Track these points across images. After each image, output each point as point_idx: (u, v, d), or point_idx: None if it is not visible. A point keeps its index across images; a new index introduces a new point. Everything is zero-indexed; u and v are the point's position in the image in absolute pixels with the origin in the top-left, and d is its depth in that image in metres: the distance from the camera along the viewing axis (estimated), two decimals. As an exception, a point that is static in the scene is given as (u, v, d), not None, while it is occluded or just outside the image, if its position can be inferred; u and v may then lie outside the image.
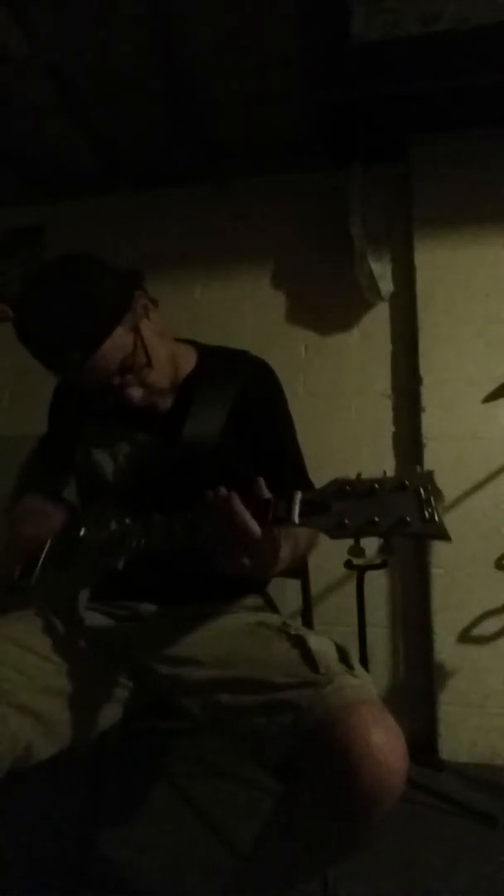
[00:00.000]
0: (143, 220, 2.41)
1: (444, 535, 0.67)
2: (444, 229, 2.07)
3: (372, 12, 1.55)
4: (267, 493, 0.81)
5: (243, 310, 2.30)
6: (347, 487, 0.72)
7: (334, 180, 2.19)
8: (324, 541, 0.74)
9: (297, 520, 0.74)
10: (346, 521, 0.71)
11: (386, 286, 2.11)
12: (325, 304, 2.24)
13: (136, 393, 1.07)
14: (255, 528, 0.78)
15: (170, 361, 1.13)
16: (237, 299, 2.31)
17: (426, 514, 0.67)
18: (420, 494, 0.68)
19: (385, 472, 0.71)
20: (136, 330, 1.04)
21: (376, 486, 0.70)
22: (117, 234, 2.38)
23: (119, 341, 1.01)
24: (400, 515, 0.68)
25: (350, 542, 0.73)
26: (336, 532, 0.72)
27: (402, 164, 2.15)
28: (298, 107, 1.94)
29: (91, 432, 1.19)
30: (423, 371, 2.05)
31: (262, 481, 0.82)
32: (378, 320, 2.20)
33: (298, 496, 0.75)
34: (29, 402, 2.26)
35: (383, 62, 1.73)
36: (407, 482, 0.69)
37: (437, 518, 0.67)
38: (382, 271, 2.10)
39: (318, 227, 2.26)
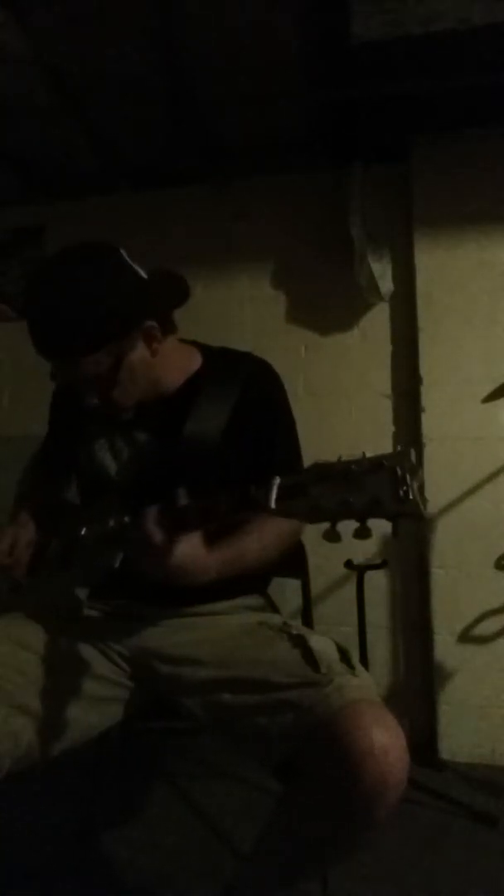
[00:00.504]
0: (143, 220, 2.41)
1: (418, 514, 0.66)
2: (444, 229, 2.07)
3: (372, 12, 1.54)
4: (183, 501, 0.87)
5: (243, 310, 2.30)
6: (326, 470, 0.71)
7: (334, 180, 2.19)
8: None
9: (273, 505, 0.73)
10: (322, 504, 0.70)
11: (386, 286, 2.11)
12: (325, 304, 2.24)
13: (91, 401, 1.07)
14: (155, 538, 0.86)
15: (147, 385, 1.11)
16: (237, 299, 2.31)
17: (401, 492, 0.66)
18: (396, 473, 0.66)
19: (364, 454, 0.70)
20: (117, 359, 1.03)
21: (353, 467, 0.69)
22: (117, 234, 2.35)
23: (96, 360, 1.01)
24: (374, 495, 0.67)
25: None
26: (311, 516, 0.72)
27: (402, 164, 2.15)
28: (298, 107, 1.94)
29: (91, 431, 1.19)
30: (423, 371, 2.05)
31: (181, 491, 0.88)
32: (378, 320, 2.20)
33: (277, 481, 0.74)
34: (29, 403, 2.26)
35: (383, 62, 1.72)
36: (384, 462, 0.68)
37: (411, 496, 0.65)
38: (382, 271, 2.09)
39: (318, 227, 2.26)
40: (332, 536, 0.72)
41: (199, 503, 0.86)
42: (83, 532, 1.02)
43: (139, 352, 1.06)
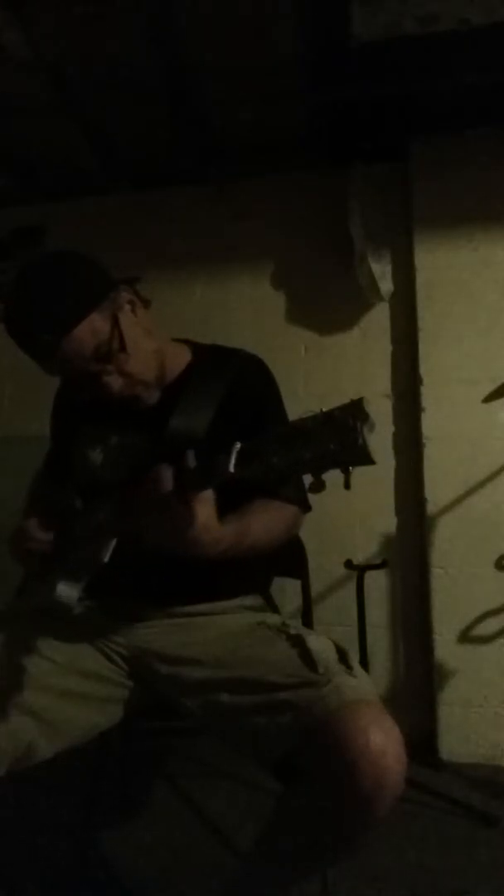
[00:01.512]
0: (143, 220, 2.41)
1: (367, 459, 0.66)
2: (444, 229, 2.07)
3: (372, 12, 1.55)
4: (192, 463, 0.84)
5: (243, 310, 2.30)
6: (284, 431, 0.72)
7: (334, 180, 2.19)
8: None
9: (232, 469, 0.74)
10: (276, 464, 0.70)
11: (386, 286, 2.11)
12: (325, 304, 2.24)
13: (115, 382, 1.06)
14: (165, 486, 0.84)
15: (155, 356, 1.13)
16: (237, 299, 2.31)
17: (349, 440, 0.66)
18: (346, 422, 0.66)
19: (322, 409, 0.70)
20: (113, 318, 1.04)
21: (309, 423, 0.69)
22: (117, 234, 2.38)
23: (93, 326, 1.01)
24: (326, 447, 0.67)
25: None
26: (268, 477, 0.72)
27: (402, 164, 2.15)
28: (298, 107, 1.94)
29: (85, 434, 1.19)
30: (423, 371, 2.05)
31: (190, 453, 0.85)
32: (378, 320, 2.20)
33: (237, 447, 0.75)
34: (29, 403, 2.26)
35: (383, 62, 1.72)
36: (335, 413, 0.68)
37: (360, 442, 0.65)
38: (382, 271, 2.09)
39: (318, 227, 2.26)
40: (297, 497, 0.73)
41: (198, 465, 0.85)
42: (74, 528, 1.02)
43: (128, 315, 1.08)
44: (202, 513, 0.87)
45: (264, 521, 1.06)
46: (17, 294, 1.03)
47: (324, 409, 0.69)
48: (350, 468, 0.67)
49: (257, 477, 0.73)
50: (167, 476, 0.85)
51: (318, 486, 0.69)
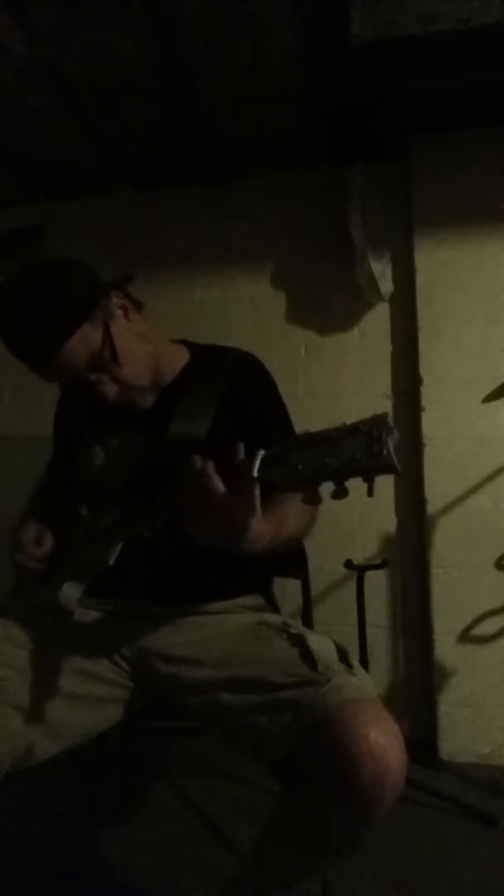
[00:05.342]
0: (143, 220, 2.41)
1: (392, 467, 0.67)
2: (444, 229, 2.07)
3: (372, 12, 1.55)
4: (241, 456, 0.81)
5: (243, 310, 2.30)
6: (306, 439, 0.73)
7: (334, 180, 2.19)
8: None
9: (256, 474, 0.75)
10: (301, 469, 0.72)
11: (386, 286, 2.11)
12: (325, 304, 2.24)
13: (110, 389, 1.08)
14: (217, 484, 0.79)
15: (149, 360, 1.13)
16: (237, 299, 2.31)
17: (375, 450, 0.67)
18: (372, 434, 0.68)
19: (344, 422, 0.72)
20: (105, 327, 1.04)
21: (332, 434, 0.71)
22: (117, 234, 2.38)
23: (85, 338, 1.02)
24: (350, 455, 0.69)
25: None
26: (292, 482, 0.73)
27: (402, 164, 2.15)
28: (298, 107, 1.94)
29: (88, 437, 1.19)
30: (423, 371, 2.05)
31: (240, 446, 0.80)
32: (378, 320, 2.20)
33: (260, 453, 0.76)
34: (29, 403, 2.26)
35: (383, 62, 1.73)
36: (360, 425, 0.70)
37: (385, 452, 0.67)
38: (382, 271, 2.10)
39: (318, 227, 2.26)
40: (313, 500, 0.74)
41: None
42: (78, 531, 1.02)
43: (120, 321, 1.08)
44: (250, 503, 0.81)
45: (295, 513, 1.03)
46: (8, 306, 1.03)
47: (346, 423, 0.71)
48: (374, 476, 0.69)
49: (280, 483, 0.75)
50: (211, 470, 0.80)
51: (342, 494, 0.71)
